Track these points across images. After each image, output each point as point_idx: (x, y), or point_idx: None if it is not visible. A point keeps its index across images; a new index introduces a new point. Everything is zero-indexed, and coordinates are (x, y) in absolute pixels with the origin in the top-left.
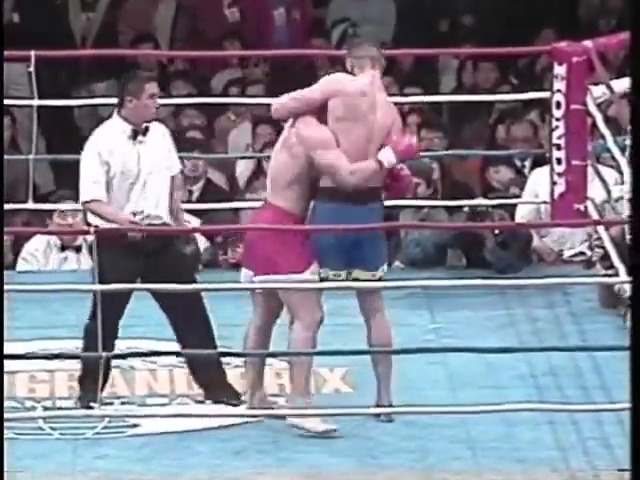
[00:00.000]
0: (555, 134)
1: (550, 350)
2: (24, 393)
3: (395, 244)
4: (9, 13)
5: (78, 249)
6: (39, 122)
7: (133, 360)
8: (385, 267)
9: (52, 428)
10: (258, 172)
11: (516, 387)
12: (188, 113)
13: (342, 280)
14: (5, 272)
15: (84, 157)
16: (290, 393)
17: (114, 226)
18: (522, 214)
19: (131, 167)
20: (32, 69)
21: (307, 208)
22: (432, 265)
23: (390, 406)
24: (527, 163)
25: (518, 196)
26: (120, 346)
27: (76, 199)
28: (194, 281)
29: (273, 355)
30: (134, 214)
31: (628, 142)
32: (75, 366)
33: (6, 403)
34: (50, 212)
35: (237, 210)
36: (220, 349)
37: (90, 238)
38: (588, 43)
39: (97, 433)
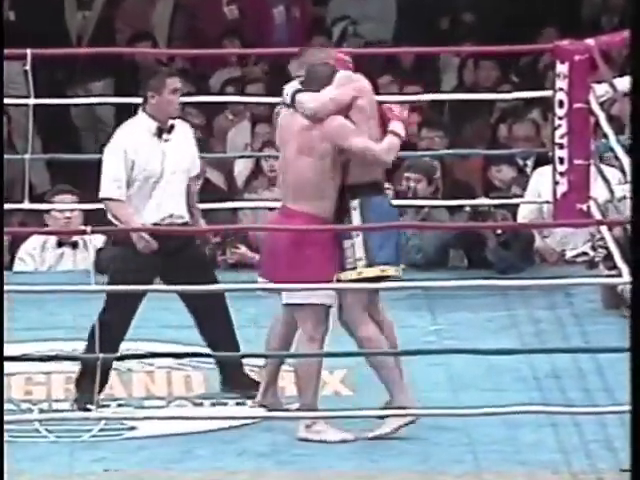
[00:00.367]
0: (557, 133)
1: (552, 352)
2: (20, 395)
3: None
4: (5, 11)
5: (75, 245)
6: (35, 121)
7: (130, 362)
8: None
9: (48, 431)
10: (257, 171)
11: (518, 389)
12: (186, 112)
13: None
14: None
15: (108, 153)
16: (299, 403)
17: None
18: (524, 214)
19: (155, 166)
20: (28, 68)
21: (334, 209)
22: (434, 266)
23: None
24: (529, 162)
25: (520, 196)
26: None
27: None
28: (216, 280)
29: (277, 356)
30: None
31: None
32: (72, 368)
33: None
34: (47, 212)
35: (235, 210)
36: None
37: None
38: (591, 41)
39: (94, 436)
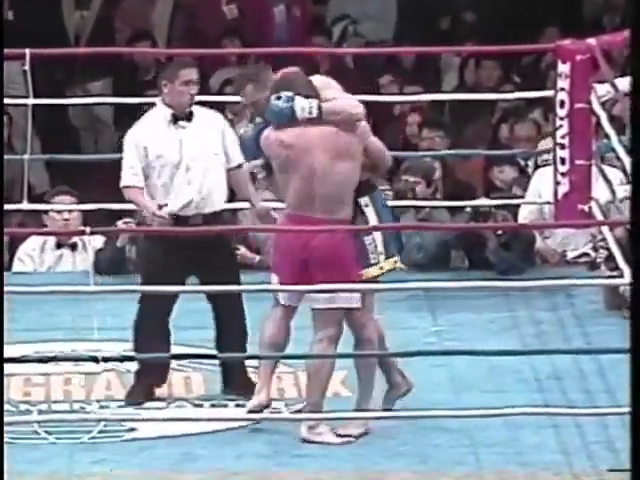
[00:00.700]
0: (559, 133)
1: (554, 353)
2: (19, 396)
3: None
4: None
5: (74, 247)
6: (34, 121)
7: (130, 363)
8: None
9: (47, 432)
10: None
11: (519, 390)
12: None
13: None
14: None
15: (125, 143)
16: (305, 403)
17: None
18: (525, 214)
19: (172, 153)
20: (27, 67)
21: None
22: (436, 265)
23: (403, 376)
24: (530, 162)
25: (521, 196)
26: (116, 349)
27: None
28: (239, 281)
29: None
30: (160, 207)
31: None
32: (71, 369)
33: None
34: (46, 212)
35: (235, 210)
36: None
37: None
38: (592, 41)
39: (93, 437)
